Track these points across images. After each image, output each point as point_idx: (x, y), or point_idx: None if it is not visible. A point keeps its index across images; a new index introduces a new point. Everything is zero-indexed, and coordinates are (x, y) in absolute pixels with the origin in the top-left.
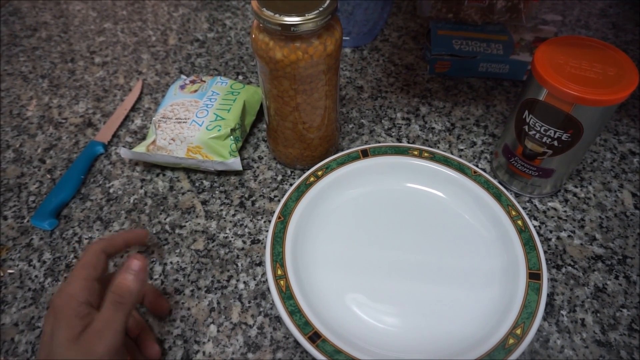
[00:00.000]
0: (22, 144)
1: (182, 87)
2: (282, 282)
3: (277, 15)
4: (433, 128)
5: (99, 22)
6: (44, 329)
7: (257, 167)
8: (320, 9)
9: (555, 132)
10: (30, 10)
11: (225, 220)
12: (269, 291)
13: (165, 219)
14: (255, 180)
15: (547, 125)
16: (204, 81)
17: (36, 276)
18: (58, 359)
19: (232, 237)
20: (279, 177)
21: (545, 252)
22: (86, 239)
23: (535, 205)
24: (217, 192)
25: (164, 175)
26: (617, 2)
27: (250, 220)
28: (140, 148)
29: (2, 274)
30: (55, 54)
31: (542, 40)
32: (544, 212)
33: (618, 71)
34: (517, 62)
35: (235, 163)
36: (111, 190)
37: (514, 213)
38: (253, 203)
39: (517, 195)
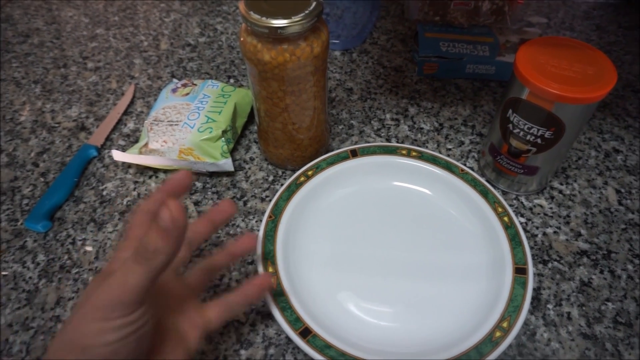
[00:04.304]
0: (16, 148)
1: (174, 91)
2: (273, 280)
3: (264, 18)
4: (422, 128)
5: (91, 28)
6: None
7: (249, 168)
8: (307, 11)
9: (538, 130)
10: (22, 16)
11: None
12: None
13: None
14: (247, 180)
15: (531, 123)
16: (196, 84)
17: (30, 277)
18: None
19: (224, 237)
20: (270, 178)
21: (531, 247)
22: (79, 240)
23: (521, 203)
24: (209, 192)
25: (156, 177)
26: (601, 5)
27: (242, 220)
28: (133, 150)
29: None
30: (47, 60)
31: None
32: (530, 209)
33: (597, 70)
34: (503, 63)
35: (226, 164)
36: (104, 193)
37: (500, 210)
38: (245, 203)
39: (504, 193)
